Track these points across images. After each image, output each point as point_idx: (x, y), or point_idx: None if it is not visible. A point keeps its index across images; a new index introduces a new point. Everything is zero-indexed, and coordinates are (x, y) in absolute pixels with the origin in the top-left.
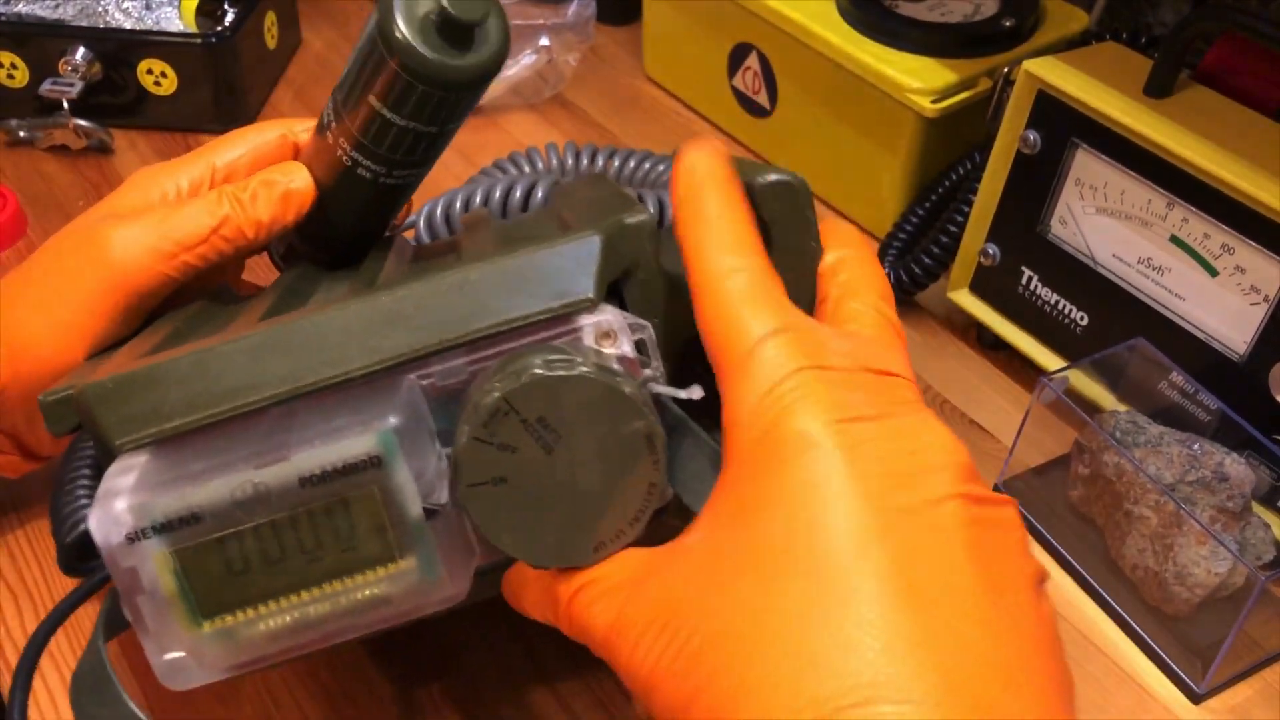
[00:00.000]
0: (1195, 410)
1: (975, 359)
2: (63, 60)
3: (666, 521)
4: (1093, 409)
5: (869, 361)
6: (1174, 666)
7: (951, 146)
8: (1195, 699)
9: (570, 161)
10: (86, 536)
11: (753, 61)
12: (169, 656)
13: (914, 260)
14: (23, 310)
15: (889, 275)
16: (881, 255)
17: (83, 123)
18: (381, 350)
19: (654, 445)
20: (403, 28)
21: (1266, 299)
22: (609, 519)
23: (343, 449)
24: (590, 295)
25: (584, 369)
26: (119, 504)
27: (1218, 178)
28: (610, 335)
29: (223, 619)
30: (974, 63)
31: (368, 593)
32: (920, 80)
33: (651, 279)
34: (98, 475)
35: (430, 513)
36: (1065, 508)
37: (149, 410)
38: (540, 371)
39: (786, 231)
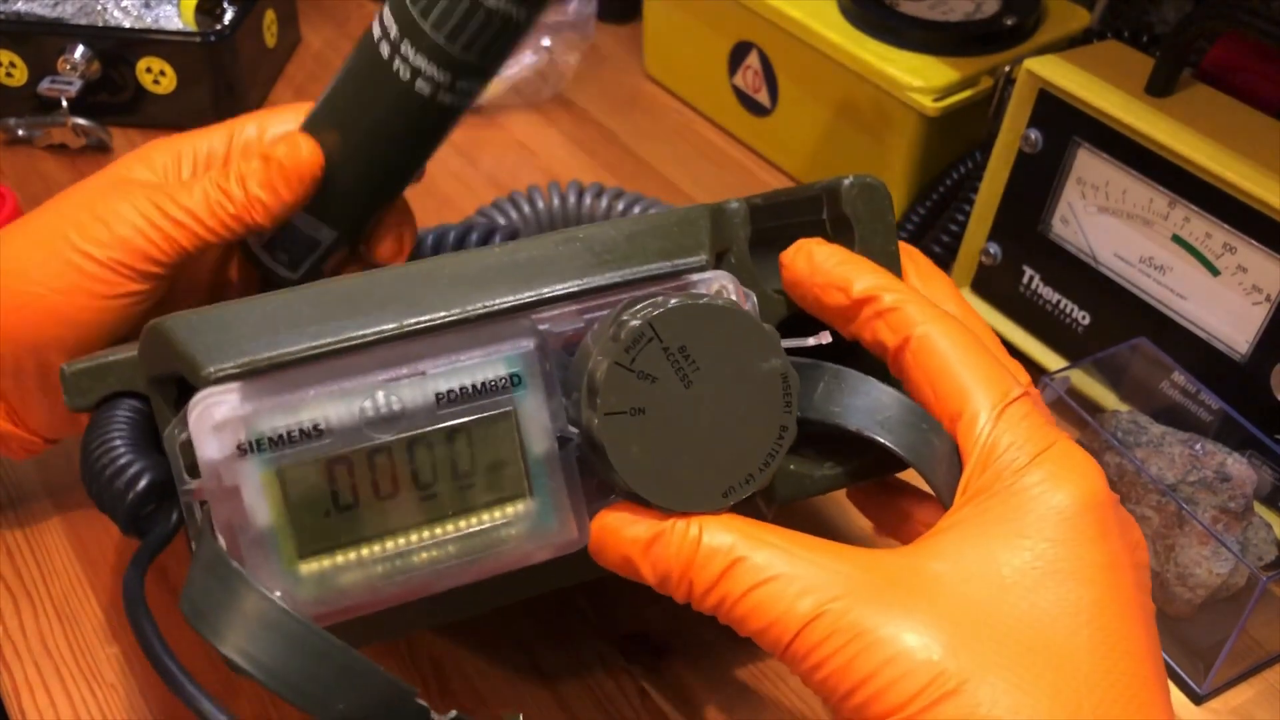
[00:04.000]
0: (1197, 410)
1: None
2: (61, 58)
3: (753, 500)
4: (1094, 409)
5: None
6: (1175, 667)
7: (952, 145)
8: (1197, 700)
9: (573, 200)
10: (151, 490)
11: (753, 60)
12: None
13: None
14: (22, 264)
15: None
16: None
17: (81, 121)
18: (498, 294)
19: (788, 385)
20: None
21: (1268, 298)
22: (740, 462)
23: (481, 368)
24: (705, 256)
25: (725, 302)
26: (232, 410)
27: (1220, 177)
28: (723, 294)
29: (321, 559)
30: (975, 61)
31: (484, 533)
32: (921, 79)
33: (743, 263)
34: (137, 436)
35: (563, 442)
36: None
37: (246, 339)
38: (685, 300)
39: (870, 231)
